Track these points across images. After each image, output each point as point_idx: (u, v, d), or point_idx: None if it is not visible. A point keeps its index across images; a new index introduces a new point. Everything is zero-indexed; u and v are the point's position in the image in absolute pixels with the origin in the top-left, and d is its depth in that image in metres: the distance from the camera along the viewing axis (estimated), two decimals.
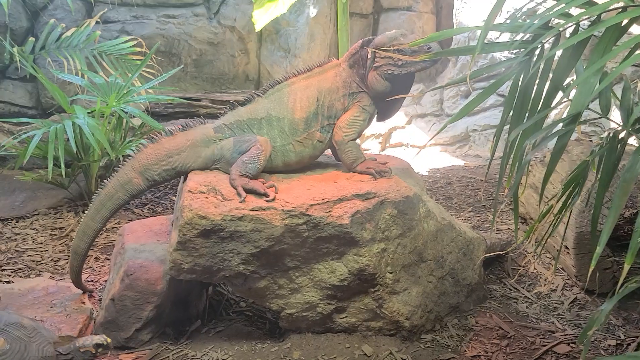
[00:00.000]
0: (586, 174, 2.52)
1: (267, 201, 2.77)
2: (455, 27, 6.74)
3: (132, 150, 4.19)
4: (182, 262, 2.78)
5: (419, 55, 2.82)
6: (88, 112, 4.14)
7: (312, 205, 2.78)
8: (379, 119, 3.21)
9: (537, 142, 2.29)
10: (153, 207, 4.77)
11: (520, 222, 4.46)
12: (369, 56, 2.97)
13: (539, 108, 2.37)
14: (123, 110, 4.26)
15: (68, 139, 4.06)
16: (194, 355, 2.92)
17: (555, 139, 2.31)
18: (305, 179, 3.01)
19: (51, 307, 3.15)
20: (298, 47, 6.90)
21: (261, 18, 5.44)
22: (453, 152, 6.60)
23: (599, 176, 2.38)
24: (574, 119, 2.26)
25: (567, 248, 3.61)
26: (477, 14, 6.54)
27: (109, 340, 2.61)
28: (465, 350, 3.01)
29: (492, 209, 4.77)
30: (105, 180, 3.05)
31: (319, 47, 7.03)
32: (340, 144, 3.00)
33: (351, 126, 3.01)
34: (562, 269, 3.72)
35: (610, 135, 2.34)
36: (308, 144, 3.00)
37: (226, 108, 3.08)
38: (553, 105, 2.36)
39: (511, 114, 2.42)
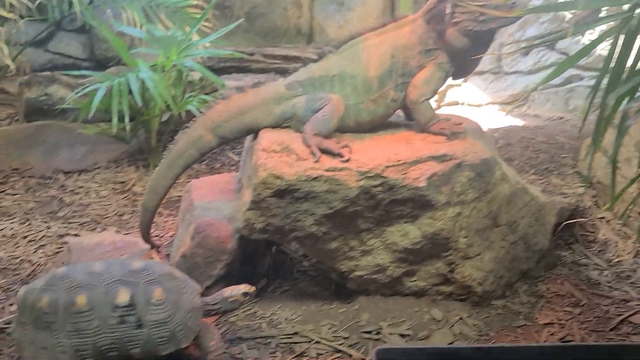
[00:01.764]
0: None
1: (341, 161, 2.71)
2: None
3: (193, 105, 4.19)
4: (255, 221, 2.75)
5: (505, 11, 2.67)
6: (150, 66, 4.10)
7: (387, 166, 2.71)
8: (455, 77, 3.10)
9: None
10: (210, 163, 4.76)
11: (587, 186, 4.32)
12: (448, 11, 2.84)
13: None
14: (184, 65, 4.21)
15: (130, 93, 4.05)
16: (262, 314, 2.93)
17: None
18: (377, 139, 2.93)
19: None
20: (353, 0, 6.72)
21: None
22: (511, 111, 6.40)
23: None
24: None
25: None
26: None
27: (253, 288, 2.62)
28: (537, 318, 2.94)
29: (555, 172, 4.64)
30: (175, 136, 3.02)
31: (375, 0, 6.83)
32: (414, 103, 2.91)
33: (427, 85, 2.91)
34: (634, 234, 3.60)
35: None
36: (381, 102, 2.91)
37: (298, 64, 3.00)
38: None
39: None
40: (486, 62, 6.82)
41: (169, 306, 2.41)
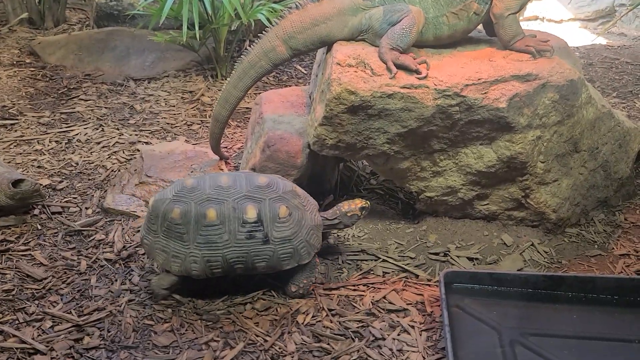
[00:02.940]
0: None
1: (418, 78, 2.60)
2: None
3: (263, 14, 4.08)
4: (327, 137, 2.71)
5: None
6: None
7: (467, 85, 2.58)
8: None
9: None
10: (278, 75, 4.70)
11: None
12: None
13: None
14: None
15: (200, 0, 3.96)
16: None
17: None
18: (457, 56, 2.79)
19: (191, 172, 3.23)
20: None
21: None
22: (594, 28, 6.02)
23: None
24: None
25: None
26: None
27: (369, 203, 2.67)
28: (613, 248, 2.85)
29: None
30: (248, 47, 2.96)
31: None
32: (499, 17, 2.73)
33: None
34: None
35: None
36: (463, 16, 2.74)
37: None
38: None
39: None
40: None
41: (293, 223, 2.46)
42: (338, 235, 2.89)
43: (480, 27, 2.95)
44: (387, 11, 2.71)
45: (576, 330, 2.33)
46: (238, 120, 4.03)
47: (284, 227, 2.43)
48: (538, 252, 2.80)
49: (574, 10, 6.22)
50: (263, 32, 2.91)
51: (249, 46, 2.95)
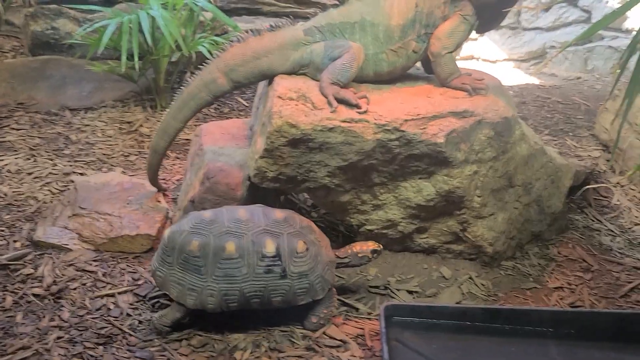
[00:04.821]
0: None
1: (359, 113, 2.62)
2: None
3: (204, 46, 4.07)
4: (267, 170, 2.69)
5: None
6: (161, 4, 3.96)
7: (406, 120, 2.62)
8: (479, 31, 2.98)
9: None
10: (220, 107, 4.67)
11: (602, 150, 4.25)
12: None
13: None
14: (195, 4, 4.07)
15: (140, 31, 3.92)
16: None
17: None
18: (396, 91, 2.84)
19: (127, 204, 3.14)
20: None
21: None
22: (527, 69, 6.27)
23: None
24: None
25: None
26: None
27: (381, 247, 2.66)
28: (548, 281, 2.91)
29: (570, 133, 4.55)
30: (188, 79, 2.92)
31: None
32: (436, 55, 2.80)
33: (450, 37, 2.79)
34: None
35: None
36: (402, 53, 2.80)
37: (317, 9, 2.87)
38: None
39: None
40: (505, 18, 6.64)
41: (310, 259, 2.46)
42: None
43: (419, 64, 3.02)
44: (328, 47, 2.74)
45: None
46: (177, 152, 3.97)
47: (301, 262, 2.44)
48: (476, 285, 2.84)
49: (508, 51, 6.47)
50: (204, 63, 2.89)
51: (190, 77, 2.92)
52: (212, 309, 2.41)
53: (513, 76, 6.00)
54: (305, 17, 2.89)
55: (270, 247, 2.40)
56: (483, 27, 2.95)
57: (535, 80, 5.85)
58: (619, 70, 2.33)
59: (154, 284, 2.62)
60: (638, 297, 2.84)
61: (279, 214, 2.51)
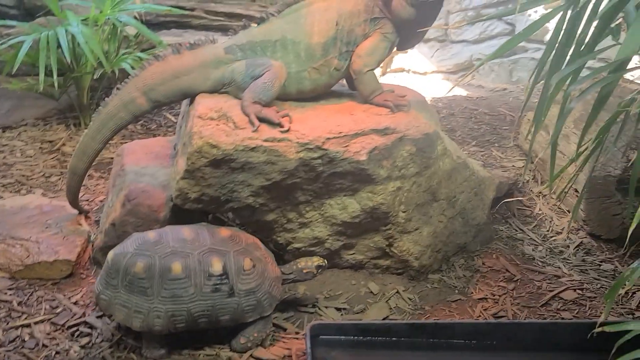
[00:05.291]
0: (624, 122, 2.40)
1: (281, 132, 2.61)
2: None
3: (128, 63, 3.97)
4: (189, 191, 2.64)
5: None
6: (81, 20, 3.85)
7: (328, 138, 2.63)
8: (400, 48, 3.02)
9: (579, 91, 2.14)
10: (146, 123, 4.57)
11: (525, 159, 4.36)
12: None
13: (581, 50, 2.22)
14: (118, 19, 3.98)
15: (59, 47, 3.80)
16: None
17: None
18: (319, 109, 2.84)
19: (46, 228, 3.02)
20: None
21: None
22: (455, 80, 6.40)
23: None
24: (620, 66, 2.11)
25: (576, 191, 3.54)
26: None
27: (325, 262, 2.67)
28: (472, 292, 2.96)
29: (496, 144, 4.67)
30: (106, 98, 2.85)
31: None
32: (358, 73, 2.82)
33: (371, 55, 2.82)
34: (568, 211, 3.66)
35: None
36: (324, 71, 2.81)
37: (240, 26, 2.85)
38: (598, 49, 2.21)
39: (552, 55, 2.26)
40: (433, 29, 6.78)
41: (257, 275, 2.46)
42: None
43: (343, 81, 3.03)
44: (249, 65, 2.72)
45: None
46: (102, 171, 3.86)
47: (248, 279, 2.44)
48: (403, 299, 2.86)
49: (437, 63, 6.61)
50: (123, 82, 2.82)
51: (108, 98, 2.84)
52: (159, 330, 2.38)
53: (442, 88, 6.12)
54: (236, 30, 2.87)
55: (217, 266, 2.40)
56: (404, 44, 2.98)
57: (464, 92, 5.98)
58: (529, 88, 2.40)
59: (95, 308, 2.61)
60: (559, 305, 2.92)
61: (224, 232, 2.51)
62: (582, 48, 2.19)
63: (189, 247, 2.42)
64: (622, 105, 2.25)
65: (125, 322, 2.39)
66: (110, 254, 2.44)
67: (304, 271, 2.64)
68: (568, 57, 2.26)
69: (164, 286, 2.36)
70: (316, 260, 2.66)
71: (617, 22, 2.18)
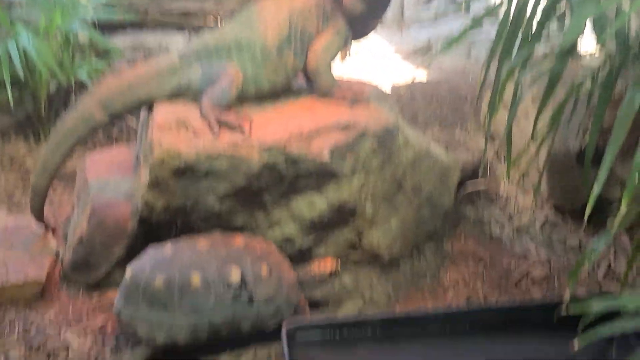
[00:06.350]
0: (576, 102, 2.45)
1: (242, 136, 2.61)
2: None
3: (84, 71, 3.92)
4: (154, 203, 2.63)
5: None
6: (32, 31, 3.78)
7: (290, 139, 2.63)
8: (355, 39, 3.03)
9: (530, 79, 2.19)
10: (108, 130, 4.51)
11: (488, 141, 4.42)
12: None
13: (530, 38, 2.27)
14: (70, 28, 3.91)
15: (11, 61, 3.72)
16: None
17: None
18: (279, 108, 2.84)
19: (13, 248, 2.98)
20: None
21: None
22: (414, 63, 6.43)
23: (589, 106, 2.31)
24: (568, 52, 2.16)
25: (539, 168, 3.61)
26: None
27: (339, 268, 2.72)
28: (444, 278, 3.02)
29: (459, 125, 4.72)
30: (63, 113, 2.81)
31: None
32: (314, 70, 2.83)
33: (325, 51, 2.83)
34: (532, 187, 3.72)
35: (607, 63, 2.25)
36: (281, 70, 2.81)
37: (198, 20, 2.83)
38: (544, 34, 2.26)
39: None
40: (389, 12, 6.79)
41: (275, 281, 2.47)
42: None
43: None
44: (205, 70, 2.72)
45: None
46: (66, 181, 3.81)
47: (267, 286, 2.46)
48: (376, 291, 2.90)
49: (396, 46, 6.62)
50: (80, 98, 2.79)
51: (65, 112, 2.81)
52: (182, 344, 2.41)
53: (402, 72, 6.15)
54: (193, 29, 2.85)
55: (235, 276, 2.42)
56: (358, 35, 3.00)
57: (424, 74, 6.02)
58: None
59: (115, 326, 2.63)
60: (528, 283, 2.99)
61: (238, 240, 2.54)
62: (530, 35, 2.24)
63: (205, 258, 2.44)
64: (573, 89, 2.31)
65: (148, 336, 2.41)
66: (129, 271, 2.45)
67: (318, 274, 2.69)
68: (518, 43, 2.31)
69: (185, 299, 2.38)
70: (330, 266, 2.70)
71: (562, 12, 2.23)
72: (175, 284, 2.39)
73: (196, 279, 2.39)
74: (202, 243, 2.51)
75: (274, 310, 2.49)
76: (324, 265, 2.71)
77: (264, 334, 2.49)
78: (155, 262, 2.44)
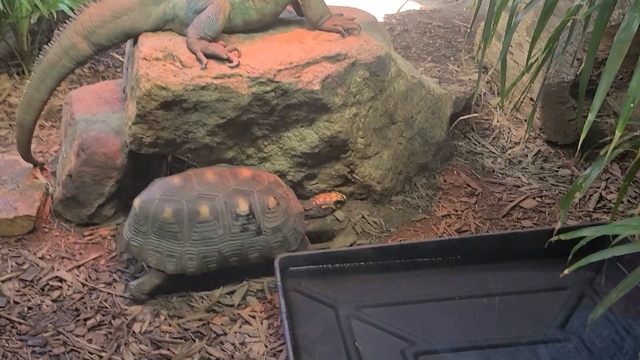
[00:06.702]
0: (572, 28, 2.39)
1: (230, 67, 2.54)
2: None
3: (65, 3, 3.79)
4: (143, 135, 2.58)
5: None
6: None
7: (279, 70, 2.57)
8: None
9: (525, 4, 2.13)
10: (94, 65, 4.41)
11: (482, 72, 4.36)
12: None
13: None
14: None
15: None
16: None
17: None
18: (268, 40, 2.77)
19: (2, 184, 2.95)
20: None
21: None
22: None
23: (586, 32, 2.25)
24: None
25: (532, 100, 3.57)
26: None
27: (344, 197, 2.73)
28: (436, 210, 3.02)
29: (452, 58, 4.64)
30: (45, 46, 2.72)
31: None
32: None
33: None
34: (525, 120, 3.70)
35: None
36: None
37: None
38: None
39: None
40: None
41: (282, 213, 2.50)
42: None
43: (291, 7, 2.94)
44: None
45: (405, 296, 2.46)
46: (53, 120, 3.75)
47: (274, 217, 2.49)
48: (369, 223, 2.91)
49: None
50: (61, 27, 2.70)
51: (48, 45, 2.72)
52: (193, 272, 2.45)
53: (394, 2, 6.00)
54: None
55: (243, 207, 2.44)
56: None
57: (417, 6, 5.88)
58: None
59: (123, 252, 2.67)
60: (519, 214, 3.01)
61: (245, 172, 2.54)
62: None
63: (214, 189, 2.45)
64: (570, 13, 2.24)
65: (158, 266, 2.43)
66: (137, 202, 2.45)
67: (323, 207, 2.69)
68: None
69: (194, 229, 2.40)
70: (335, 196, 2.71)
71: None
72: (184, 214, 2.39)
73: (205, 209, 2.40)
74: (209, 175, 2.50)
75: (281, 241, 2.52)
76: (329, 197, 2.71)
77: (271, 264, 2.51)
78: (163, 193, 2.43)
